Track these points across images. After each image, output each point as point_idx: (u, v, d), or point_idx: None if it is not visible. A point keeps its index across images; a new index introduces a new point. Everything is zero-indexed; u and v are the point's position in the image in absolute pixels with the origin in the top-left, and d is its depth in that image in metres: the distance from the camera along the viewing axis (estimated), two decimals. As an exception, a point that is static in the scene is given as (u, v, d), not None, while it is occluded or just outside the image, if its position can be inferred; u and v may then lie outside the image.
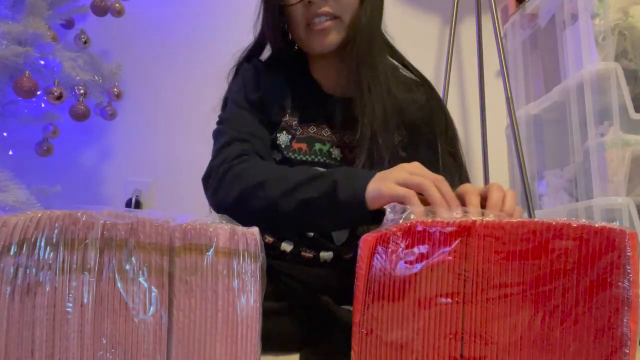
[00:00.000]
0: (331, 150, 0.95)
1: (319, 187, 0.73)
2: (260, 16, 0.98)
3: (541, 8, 1.82)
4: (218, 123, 0.96)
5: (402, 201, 0.63)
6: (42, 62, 1.52)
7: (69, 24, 1.72)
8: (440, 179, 0.66)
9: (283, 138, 0.94)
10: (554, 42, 1.75)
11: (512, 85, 1.81)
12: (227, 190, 0.81)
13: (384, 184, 0.67)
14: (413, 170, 0.68)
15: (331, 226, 0.82)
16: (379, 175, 0.70)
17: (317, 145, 0.94)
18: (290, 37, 0.99)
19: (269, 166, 0.85)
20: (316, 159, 0.94)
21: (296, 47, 1.01)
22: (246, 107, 0.94)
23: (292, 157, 0.93)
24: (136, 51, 1.92)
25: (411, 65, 1.04)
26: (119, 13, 1.74)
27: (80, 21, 1.73)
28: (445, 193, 0.64)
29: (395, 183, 0.66)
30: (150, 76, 1.92)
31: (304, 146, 0.94)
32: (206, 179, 0.87)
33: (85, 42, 1.68)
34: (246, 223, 0.81)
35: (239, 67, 1.02)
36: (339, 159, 0.95)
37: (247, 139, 0.89)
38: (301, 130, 0.95)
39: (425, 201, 0.64)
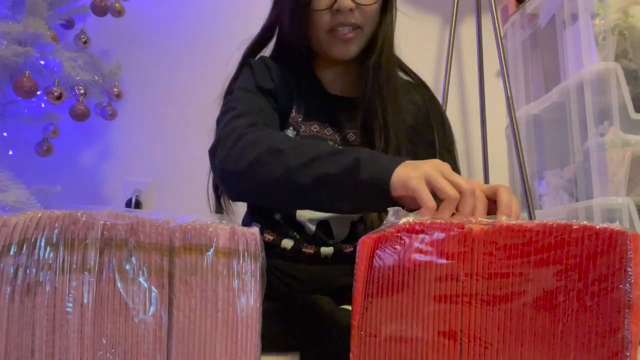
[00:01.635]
0: None
1: (341, 162, 0.68)
2: (276, 8, 0.99)
3: (541, 8, 1.82)
4: (223, 105, 0.94)
5: (418, 204, 0.59)
6: (42, 62, 1.52)
7: (69, 24, 1.72)
8: (476, 189, 0.61)
9: (289, 134, 0.95)
10: (554, 42, 1.75)
11: (512, 85, 1.81)
12: (239, 157, 0.76)
13: (415, 173, 0.62)
14: (448, 175, 0.62)
15: (348, 207, 0.74)
16: (410, 162, 0.65)
17: None
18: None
19: (287, 136, 0.82)
20: None
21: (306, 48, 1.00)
22: (256, 92, 0.94)
23: None
24: (136, 51, 1.92)
25: (407, 67, 1.06)
26: (119, 13, 1.74)
27: (80, 21, 1.73)
28: (475, 208, 0.60)
29: (425, 179, 0.61)
30: (150, 76, 1.92)
31: None
32: (214, 149, 0.82)
33: (85, 42, 1.68)
34: (255, 193, 0.78)
35: (245, 61, 1.01)
36: None
37: (258, 113, 0.88)
38: (304, 127, 0.96)
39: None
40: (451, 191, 0.60)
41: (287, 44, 0.99)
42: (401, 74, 1.04)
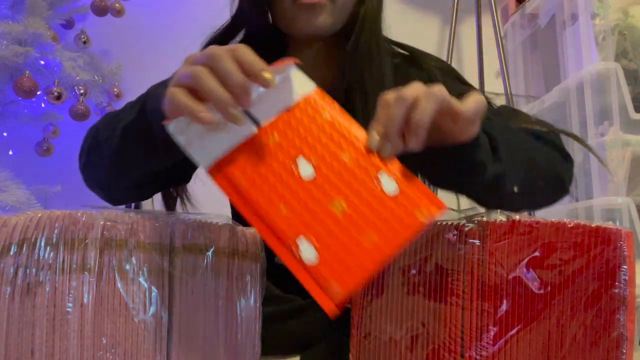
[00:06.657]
0: None
1: (135, 106, 0.63)
2: None
3: (541, 8, 1.82)
4: None
5: (177, 114, 0.49)
6: (42, 62, 1.52)
7: (69, 24, 1.72)
8: (237, 47, 0.48)
9: None
10: (554, 42, 1.75)
11: (512, 85, 1.81)
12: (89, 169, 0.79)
13: (169, 88, 0.50)
14: (196, 57, 0.49)
15: (148, 156, 0.64)
16: None
17: None
18: (270, 17, 0.85)
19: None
20: None
21: (274, 32, 0.87)
22: None
23: None
24: (136, 51, 1.91)
25: (407, 45, 0.92)
26: (119, 13, 1.74)
27: (80, 21, 1.73)
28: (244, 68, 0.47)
29: (175, 85, 0.50)
30: (150, 76, 1.91)
31: None
32: None
33: (85, 42, 1.68)
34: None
35: None
36: None
37: None
38: None
39: None
40: (189, 70, 0.48)
41: (249, 25, 0.88)
42: (399, 50, 0.91)
